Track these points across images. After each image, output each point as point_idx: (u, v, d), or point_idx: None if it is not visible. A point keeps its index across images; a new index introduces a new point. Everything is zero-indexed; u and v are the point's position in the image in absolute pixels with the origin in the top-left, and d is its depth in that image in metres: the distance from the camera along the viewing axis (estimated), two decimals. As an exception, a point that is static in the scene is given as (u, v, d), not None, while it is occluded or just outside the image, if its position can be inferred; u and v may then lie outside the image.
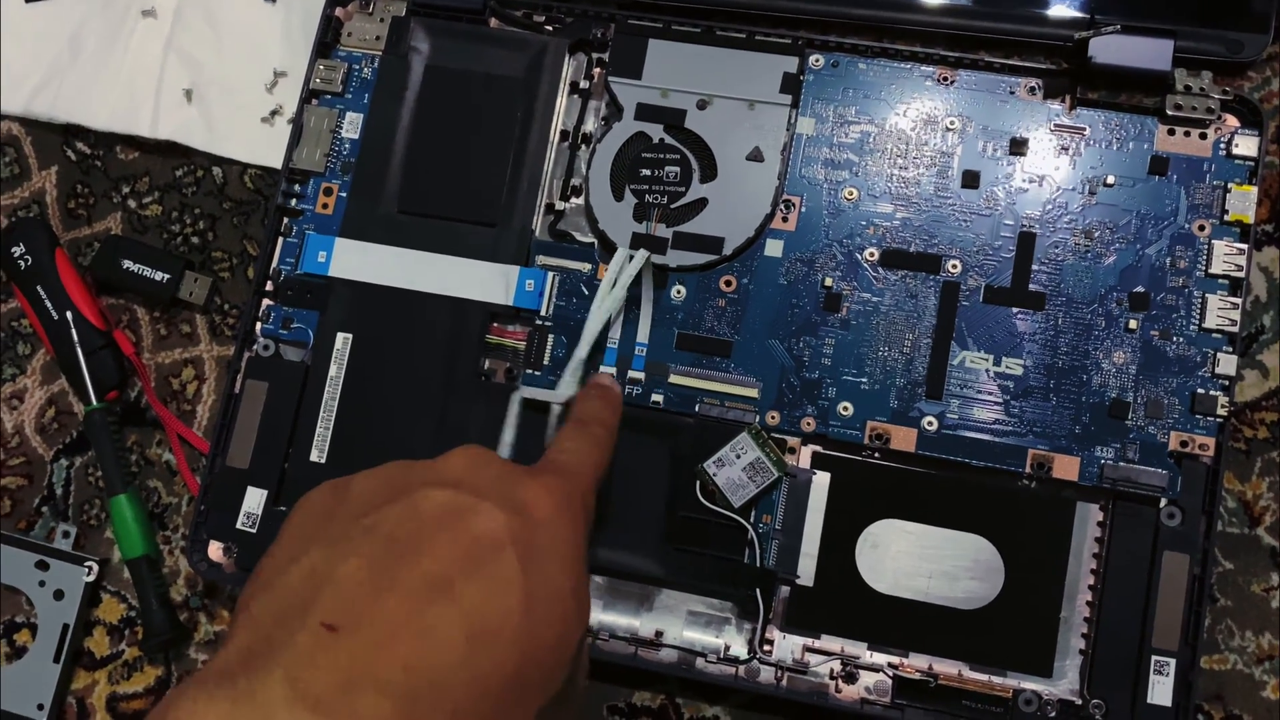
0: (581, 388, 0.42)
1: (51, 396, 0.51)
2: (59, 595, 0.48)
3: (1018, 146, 0.45)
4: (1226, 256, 0.43)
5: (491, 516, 0.29)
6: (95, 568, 0.48)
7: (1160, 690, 0.41)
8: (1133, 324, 0.43)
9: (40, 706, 0.48)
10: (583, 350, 0.43)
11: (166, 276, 0.50)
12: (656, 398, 0.45)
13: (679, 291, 0.46)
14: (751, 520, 0.43)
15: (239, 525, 0.45)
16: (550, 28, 0.48)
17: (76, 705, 0.49)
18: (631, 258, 0.44)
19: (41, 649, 0.48)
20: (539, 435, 0.43)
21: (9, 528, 0.50)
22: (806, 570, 0.43)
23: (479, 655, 0.26)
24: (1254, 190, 0.44)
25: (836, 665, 0.43)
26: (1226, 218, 0.44)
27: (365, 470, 0.31)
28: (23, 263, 0.50)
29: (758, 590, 0.43)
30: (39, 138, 0.53)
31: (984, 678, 0.42)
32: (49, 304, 0.49)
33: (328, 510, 0.30)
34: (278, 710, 0.24)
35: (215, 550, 0.46)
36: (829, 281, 0.45)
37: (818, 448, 0.44)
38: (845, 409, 0.44)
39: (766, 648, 0.43)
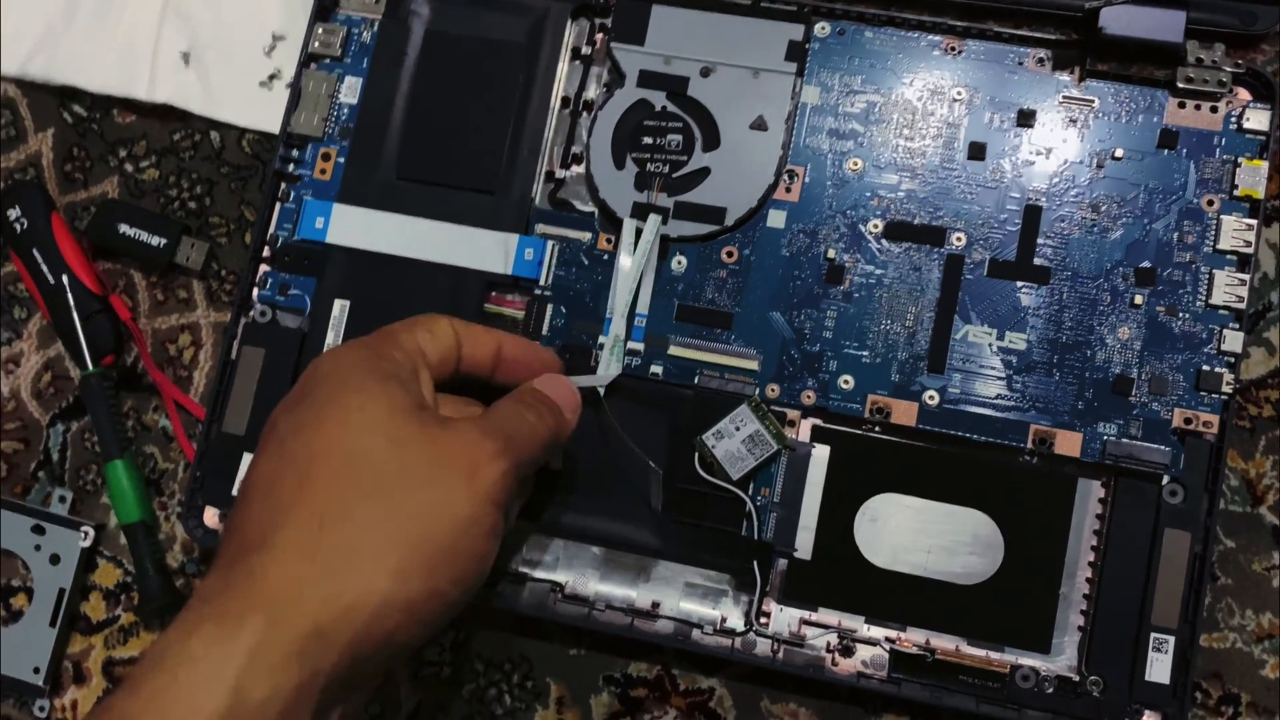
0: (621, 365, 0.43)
1: (48, 361, 0.51)
2: (55, 560, 0.48)
3: (1025, 118, 0.44)
4: (1235, 232, 0.43)
5: None
6: (91, 533, 0.48)
7: (1159, 668, 0.41)
8: (1138, 299, 0.43)
9: (36, 670, 0.48)
10: (619, 325, 0.43)
11: (163, 241, 0.49)
12: (656, 369, 0.44)
13: (679, 262, 0.45)
14: (750, 493, 0.43)
15: (234, 492, 0.45)
16: (552, -8, 0.48)
17: (72, 669, 0.49)
18: (639, 230, 0.44)
19: (38, 613, 0.48)
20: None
21: (5, 492, 0.50)
22: (804, 543, 0.43)
23: None
24: (1264, 165, 0.43)
25: (833, 639, 0.43)
26: (1236, 193, 0.43)
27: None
28: (18, 226, 0.49)
29: (755, 563, 0.43)
30: (35, 100, 0.53)
31: (981, 653, 0.42)
32: (45, 268, 0.49)
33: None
34: None
35: (211, 516, 0.46)
36: (832, 253, 0.44)
37: (818, 421, 0.44)
38: (846, 382, 0.44)
39: (763, 620, 0.43)
